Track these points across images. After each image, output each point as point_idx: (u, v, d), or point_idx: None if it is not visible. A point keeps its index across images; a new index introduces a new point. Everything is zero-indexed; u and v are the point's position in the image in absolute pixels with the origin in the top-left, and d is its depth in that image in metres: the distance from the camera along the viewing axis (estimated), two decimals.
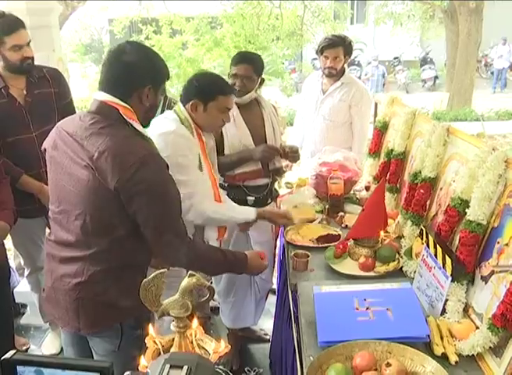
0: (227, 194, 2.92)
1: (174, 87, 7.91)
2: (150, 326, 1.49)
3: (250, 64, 2.78)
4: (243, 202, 2.88)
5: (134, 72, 1.74)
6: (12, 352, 1.04)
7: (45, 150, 1.87)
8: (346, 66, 3.59)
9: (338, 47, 3.43)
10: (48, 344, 3.34)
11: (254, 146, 2.84)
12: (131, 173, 1.64)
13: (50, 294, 1.87)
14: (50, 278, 1.86)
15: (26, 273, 3.18)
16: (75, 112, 3.01)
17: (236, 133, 2.79)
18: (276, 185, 3.22)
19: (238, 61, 2.81)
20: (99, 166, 1.65)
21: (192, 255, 1.83)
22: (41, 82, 2.83)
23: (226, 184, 2.92)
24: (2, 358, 1.04)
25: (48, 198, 2.69)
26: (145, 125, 1.87)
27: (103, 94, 1.75)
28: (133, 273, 1.79)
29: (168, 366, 1.12)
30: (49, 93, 2.85)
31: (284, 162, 3.13)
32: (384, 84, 16.28)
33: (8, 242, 3.40)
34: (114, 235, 1.74)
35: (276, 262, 3.33)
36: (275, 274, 3.56)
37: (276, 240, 3.23)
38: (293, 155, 2.96)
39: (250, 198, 2.89)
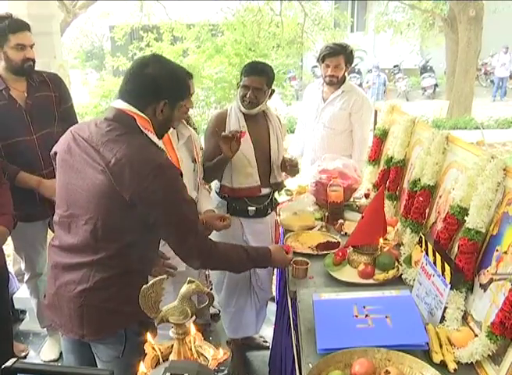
0: (227, 204, 2.91)
1: None
2: (148, 333, 1.49)
3: (262, 76, 2.75)
4: (243, 212, 2.89)
5: (151, 86, 1.76)
6: (12, 360, 1.04)
7: (55, 154, 1.88)
8: (346, 74, 3.60)
9: (339, 55, 3.44)
10: (47, 350, 3.32)
11: (254, 159, 2.82)
12: (148, 182, 1.66)
13: (52, 300, 1.85)
14: (53, 285, 1.85)
15: (26, 277, 3.18)
16: (76, 117, 3.03)
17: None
18: (276, 193, 3.21)
19: (250, 72, 2.77)
20: (115, 172, 1.67)
21: (216, 256, 1.89)
22: (42, 86, 2.85)
23: (227, 195, 2.90)
24: (3, 366, 1.03)
25: (49, 190, 2.70)
26: (160, 137, 1.88)
27: (121, 102, 1.78)
28: (137, 279, 1.78)
29: (168, 374, 1.12)
30: (49, 97, 2.87)
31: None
32: (385, 92, 16.31)
33: (8, 248, 3.41)
34: (122, 241, 1.74)
35: (275, 272, 3.32)
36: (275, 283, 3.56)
37: None
38: (292, 169, 2.93)
39: (251, 209, 2.88)
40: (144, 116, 1.76)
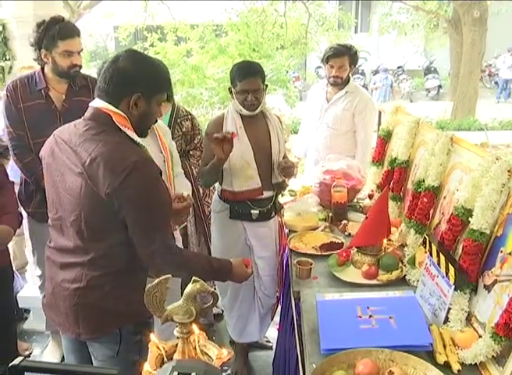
0: (229, 208, 2.86)
1: (178, 94, 7.94)
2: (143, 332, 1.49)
3: (257, 76, 2.71)
4: (247, 216, 2.85)
5: (122, 78, 1.73)
6: (19, 359, 1.04)
7: (43, 158, 1.89)
8: (350, 74, 3.60)
9: (343, 56, 3.45)
10: (49, 353, 3.33)
11: (254, 162, 2.76)
12: (122, 178, 1.64)
13: (50, 300, 1.89)
14: (50, 284, 1.88)
15: (40, 282, 3.17)
16: None
17: (237, 148, 2.67)
18: (279, 196, 3.14)
19: (245, 76, 2.70)
20: (91, 172, 1.66)
21: (178, 262, 1.81)
22: (82, 90, 2.85)
23: (228, 199, 2.85)
24: (10, 364, 1.03)
25: None
26: (141, 134, 1.85)
27: (98, 100, 1.77)
28: (132, 279, 1.80)
29: (175, 373, 1.13)
30: (88, 102, 2.87)
31: None
32: (391, 94, 16.25)
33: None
34: (110, 241, 1.74)
35: (281, 278, 3.27)
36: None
37: (282, 255, 3.20)
38: (286, 170, 2.82)
39: (254, 212, 2.84)
40: (119, 112, 1.74)
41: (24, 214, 3.10)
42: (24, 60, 3.87)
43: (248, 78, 2.70)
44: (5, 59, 4.23)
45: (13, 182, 2.66)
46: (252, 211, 2.84)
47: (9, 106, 2.75)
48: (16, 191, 2.97)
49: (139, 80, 1.74)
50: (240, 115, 2.79)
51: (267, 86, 2.83)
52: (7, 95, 2.76)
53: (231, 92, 2.81)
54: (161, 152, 2.50)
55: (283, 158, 2.89)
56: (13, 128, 2.75)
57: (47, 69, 2.78)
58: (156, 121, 1.94)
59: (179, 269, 1.82)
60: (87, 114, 1.79)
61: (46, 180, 1.88)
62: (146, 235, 1.73)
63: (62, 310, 1.82)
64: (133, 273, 1.82)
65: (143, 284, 1.87)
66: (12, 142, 2.78)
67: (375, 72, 17.26)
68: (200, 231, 3.35)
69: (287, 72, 10.80)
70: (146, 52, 9.75)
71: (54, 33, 2.66)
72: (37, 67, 2.91)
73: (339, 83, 3.53)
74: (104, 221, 1.73)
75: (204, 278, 2.07)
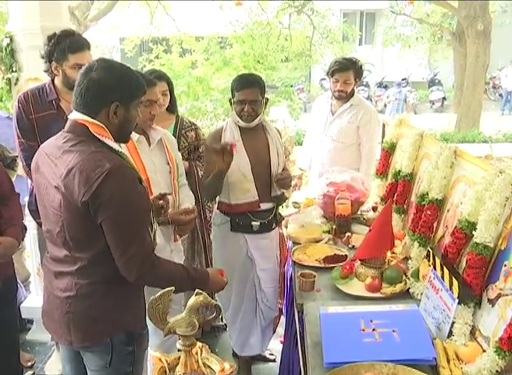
0: (230, 221, 2.86)
1: (183, 106, 7.98)
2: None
3: (254, 87, 2.71)
4: (247, 228, 2.85)
5: (97, 90, 1.74)
6: (30, 373, 1.04)
7: (32, 173, 1.91)
8: (355, 87, 3.62)
9: (349, 70, 3.46)
10: (52, 365, 3.30)
11: (251, 173, 2.77)
12: (96, 185, 1.64)
13: (46, 308, 1.92)
14: (46, 292, 1.92)
15: None
16: None
17: (235, 161, 2.67)
18: (279, 208, 3.12)
19: (243, 86, 2.72)
20: (67, 183, 1.68)
21: (157, 271, 1.79)
22: None
23: (225, 211, 2.86)
24: None
25: None
26: (123, 141, 1.88)
27: (75, 113, 1.78)
28: (121, 288, 1.81)
29: None
30: None
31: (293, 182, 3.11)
32: (405, 108, 16.21)
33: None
34: (95, 249, 1.75)
35: (283, 290, 3.27)
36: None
37: (284, 267, 3.19)
38: (281, 182, 2.83)
39: (255, 223, 2.84)
40: (96, 122, 1.74)
41: (34, 225, 3.12)
42: (31, 72, 3.90)
43: (245, 88, 2.71)
44: (12, 71, 4.27)
45: (19, 194, 2.67)
46: (253, 223, 2.84)
47: (21, 117, 2.77)
48: (26, 201, 2.99)
49: (115, 89, 1.75)
50: (239, 127, 2.80)
51: (267, 100, 2.84)
52: (19, 106, 2.78)
53: (231, 103, 2.82)
54: (168, 164, 2.52)
55: (282, 170, 2.89)
56: (25, 138, 2.77)
57: (57, 80, 2.80)
58: (137, 125, 1.95)
59: (158, 278, 1.81)
60: (66, 127, 1.80)
61: (36, 194, 1.90)
62: (121, 241, 1.72)
63: (55, 318, 1.85)
64: (122, 283, 1.79)
65: (134, 294, 1.88)
66: (23, 153, 2.79)
67: (379, 84, 17.31)
68: (197, 239, 3.31)
69: (292, 86, 10.84)
70: (151, 64, 9.85)
71: (64, 46, 2.68)
72: (44, 79, 2.93)
73: (344, 97, 3.55)
74: (86, 231, 1.74)
75: (183, 289, 2.07)
